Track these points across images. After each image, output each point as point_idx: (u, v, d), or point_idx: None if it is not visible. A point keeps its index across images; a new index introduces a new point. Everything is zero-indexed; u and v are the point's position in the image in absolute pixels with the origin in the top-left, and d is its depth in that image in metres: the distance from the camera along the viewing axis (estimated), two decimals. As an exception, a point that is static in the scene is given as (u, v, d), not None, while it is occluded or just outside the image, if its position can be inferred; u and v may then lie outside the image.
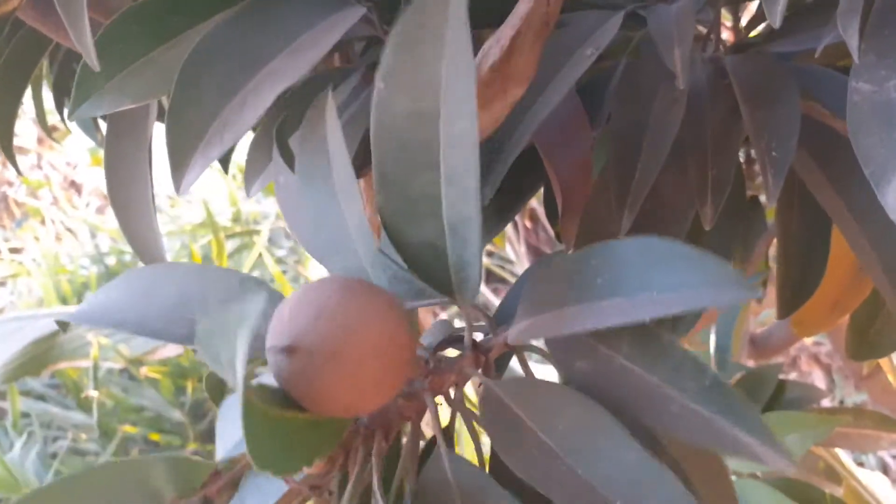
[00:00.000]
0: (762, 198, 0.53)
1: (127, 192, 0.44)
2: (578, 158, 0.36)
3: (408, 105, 0.24)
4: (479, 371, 0.26)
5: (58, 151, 2.09)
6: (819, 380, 1.54)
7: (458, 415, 0.26)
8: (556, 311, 0.23)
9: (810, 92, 0.34)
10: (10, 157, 0.50)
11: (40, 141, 2.10)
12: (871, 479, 0.75)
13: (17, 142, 2.14)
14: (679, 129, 0.33)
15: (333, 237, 0.26)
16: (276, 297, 0.25)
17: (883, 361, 0.73)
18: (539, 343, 0.28)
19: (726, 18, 0.46)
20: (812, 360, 1.56)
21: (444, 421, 0.27)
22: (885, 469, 1.27)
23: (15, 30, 0.45)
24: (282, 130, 0.31)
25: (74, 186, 2.08)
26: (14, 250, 1.95)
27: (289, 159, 0.30)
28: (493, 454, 0.25)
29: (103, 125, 0.70)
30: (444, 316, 1.28)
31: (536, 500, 0.23)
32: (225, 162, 0.50)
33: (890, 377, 0.72)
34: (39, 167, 2.11)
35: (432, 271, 0.25)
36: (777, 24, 0.26)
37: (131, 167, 0.44)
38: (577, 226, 0.36)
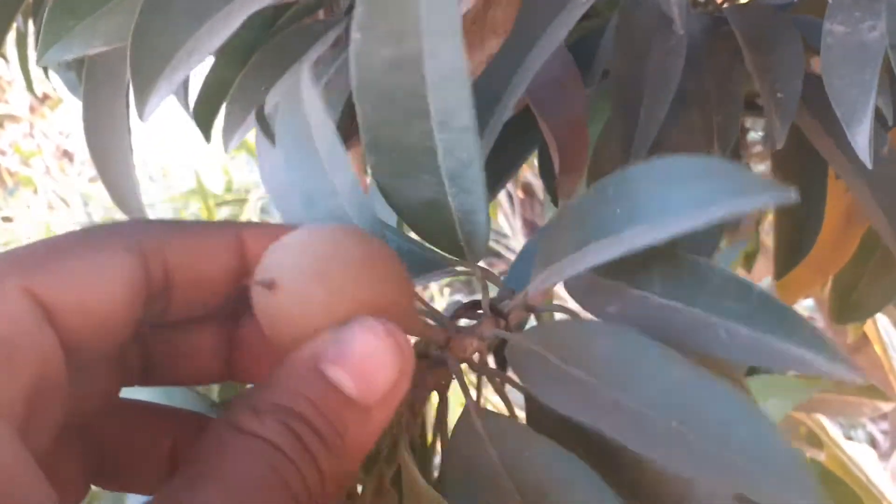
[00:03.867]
0: (756, 166, 0.52)
1: (105, 141, 0.43)
2: (572, 115, 0.36)
3: (388, 52, 0.22)
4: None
5: (50, 120, 2.07)
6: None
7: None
8: (576, 254, 0.21)
9: (807, 41, 0.34)
10: None
11: (32, 109, 2.08)
12: (857, 451, 0.75)
13: (8, 110, 2.11)
14: (680, 79, 0.33)
15: (325, 209, 0.24)
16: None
17: (870, 331, 0.72)
18: (562, 302, 0.27)
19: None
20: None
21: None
22: (873, 443, 1.29)
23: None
24: (262, 108, 0.30)
25: (67, 155, 2.07)
26: (6, 219, 1.95)
27: (270, 135, 0.30)
28: (529, 403, 0.24)
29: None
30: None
31: (578, 443, 0.22)
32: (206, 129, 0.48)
33: (877, 348, 0.71)
34: (32, 136, 2.09)
35: (436, 229, 0.24)
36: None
37: (110, 116, 0.42)
38: (574, 182, 0.36)
